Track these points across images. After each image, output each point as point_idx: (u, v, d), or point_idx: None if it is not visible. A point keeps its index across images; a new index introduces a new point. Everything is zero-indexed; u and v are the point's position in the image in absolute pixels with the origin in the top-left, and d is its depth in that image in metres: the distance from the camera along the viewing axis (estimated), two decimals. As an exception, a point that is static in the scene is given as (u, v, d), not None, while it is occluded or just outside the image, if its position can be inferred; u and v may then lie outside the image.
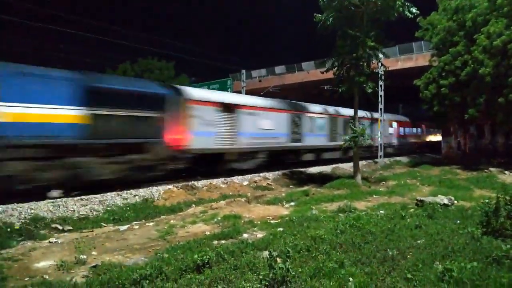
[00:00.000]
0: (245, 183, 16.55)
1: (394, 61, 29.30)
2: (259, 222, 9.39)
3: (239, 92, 30.64)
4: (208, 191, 14.55)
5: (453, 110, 24.44)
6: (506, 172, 19.67)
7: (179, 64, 40.05)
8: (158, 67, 40.55)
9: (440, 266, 4.91)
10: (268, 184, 17.25)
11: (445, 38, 22.76)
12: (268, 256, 4.91)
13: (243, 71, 32.75)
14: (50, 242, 7.98)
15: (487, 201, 7.06)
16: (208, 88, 31.47)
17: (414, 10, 15.07)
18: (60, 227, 9.31)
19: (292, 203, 12.32)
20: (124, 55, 39.18)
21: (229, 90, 31.24)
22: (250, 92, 31.59)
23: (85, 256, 6.59)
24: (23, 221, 9.29)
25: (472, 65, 20.61)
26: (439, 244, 6.02)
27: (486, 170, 20.46)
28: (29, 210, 9.91)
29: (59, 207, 10.56)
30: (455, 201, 11.19)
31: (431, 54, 25.76)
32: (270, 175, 18.54)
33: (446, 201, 10.67)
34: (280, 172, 19.46)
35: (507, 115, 20.58)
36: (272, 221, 9.55)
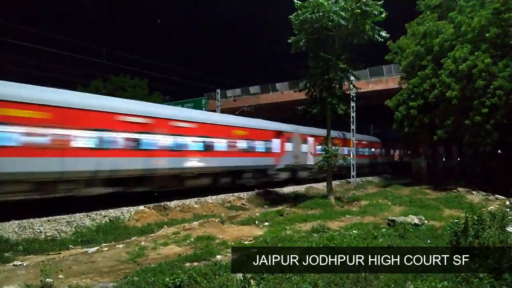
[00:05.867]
0: (219, 203, 16.40)
1: (365, 83, 30.10)
2: (233, 243, 9.28)
3: (214, 111, 30.64)
4: (181, 211, 14.33)
5: (422, 131, 25.10)
6: (474, 192, 20.24)
7: (152, 82, 39.57)
8: (131, 85, 40.10)
9: (411, 285, 4.96)
10: (243, 204, 17.16)
11: (414, 62, 23.53)
12: (242, 278, 4.84)
13: (218, 91, 32.87)
14: (14, 265, 7.65)
15: (456, 221, 7.20)
16: (182, 106, 31.34)
17: (383, 34, 15.57)
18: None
19: (267, 223, 12.27)
20: (96, 72, 38.54)
21: (203, 109, 31.18)
22: (224, 111, 31.62)
23: (51, 280, 6.32)
24: (-15, 243, 8.89)
25: (439, 88, 21.31)
26: (411, 264, 6.08)
27: (454, 190, 20.99)
28: (-8, 231, 9.49)
29: (25, 228, 10.16)
30: (426, 221, 11.42)
31: (400, 77, 26.55)
32: (244, 194, 18.45)
33: (416, 221, 10.88)
34: (254, 192, 19.41)
35: (473, 137, 21.29)
36: (246, 242, 9.46)
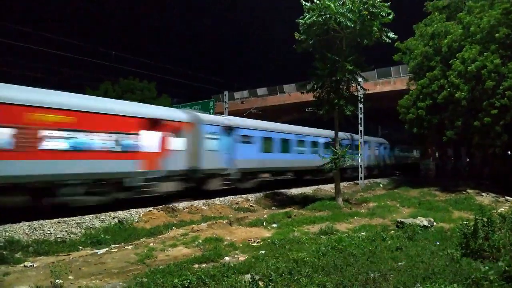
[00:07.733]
0: (227, 204, 16.43)
1: (372, 84, 30.02)
2: (241, 245, 9.29)
3: (222, 113, 30.72)
4: (190, 213, 14.37)
5: (431, 132, 24.94)
6: (483, 194, 20.06)
7: (161, 84, 39.84)
8: (140, 88, 40.37)
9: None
10: (250, 205, 17.16)
11: (422, 63, 23.40)
12: (250, 280, 4.86)
13: (226, 93, 32.95)
14: (25, 266, 7.72)
15: (465, 222, 7.16)
16: (191, 108, 31.42)
17: (391, 35, 15.46)
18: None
19: (274, 225, 12.25)
20: (105, 74, 38.79)
21: (211, 111, 31.27)
22: (232, 113, 31.68)
23: (61, 281, 6.37)
24: (-4, 244, 8.98)
25: (448, 89, 21.18)
26: (420, 266, 6.06)
27: (464, 192, 20.81)
28: (3, 232, 9.60)
29: (36, 230, 10.26)
30: (435, 223, 11.34)
31: (408, 78, 26.41)
32: (252, 196, 18.46)
33: (425, 223, 10.80)
34: (262, 194, 19.41)
35: (483, 138, 21.12)
36: (254, 244, 9.47)
